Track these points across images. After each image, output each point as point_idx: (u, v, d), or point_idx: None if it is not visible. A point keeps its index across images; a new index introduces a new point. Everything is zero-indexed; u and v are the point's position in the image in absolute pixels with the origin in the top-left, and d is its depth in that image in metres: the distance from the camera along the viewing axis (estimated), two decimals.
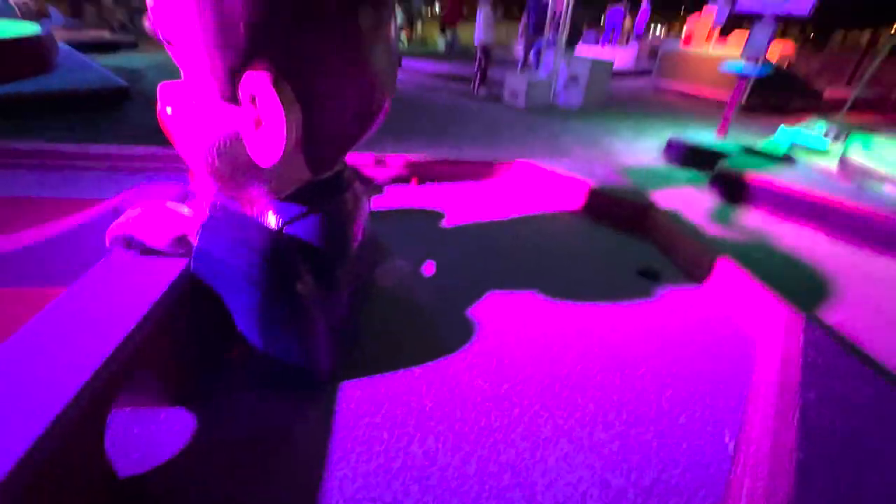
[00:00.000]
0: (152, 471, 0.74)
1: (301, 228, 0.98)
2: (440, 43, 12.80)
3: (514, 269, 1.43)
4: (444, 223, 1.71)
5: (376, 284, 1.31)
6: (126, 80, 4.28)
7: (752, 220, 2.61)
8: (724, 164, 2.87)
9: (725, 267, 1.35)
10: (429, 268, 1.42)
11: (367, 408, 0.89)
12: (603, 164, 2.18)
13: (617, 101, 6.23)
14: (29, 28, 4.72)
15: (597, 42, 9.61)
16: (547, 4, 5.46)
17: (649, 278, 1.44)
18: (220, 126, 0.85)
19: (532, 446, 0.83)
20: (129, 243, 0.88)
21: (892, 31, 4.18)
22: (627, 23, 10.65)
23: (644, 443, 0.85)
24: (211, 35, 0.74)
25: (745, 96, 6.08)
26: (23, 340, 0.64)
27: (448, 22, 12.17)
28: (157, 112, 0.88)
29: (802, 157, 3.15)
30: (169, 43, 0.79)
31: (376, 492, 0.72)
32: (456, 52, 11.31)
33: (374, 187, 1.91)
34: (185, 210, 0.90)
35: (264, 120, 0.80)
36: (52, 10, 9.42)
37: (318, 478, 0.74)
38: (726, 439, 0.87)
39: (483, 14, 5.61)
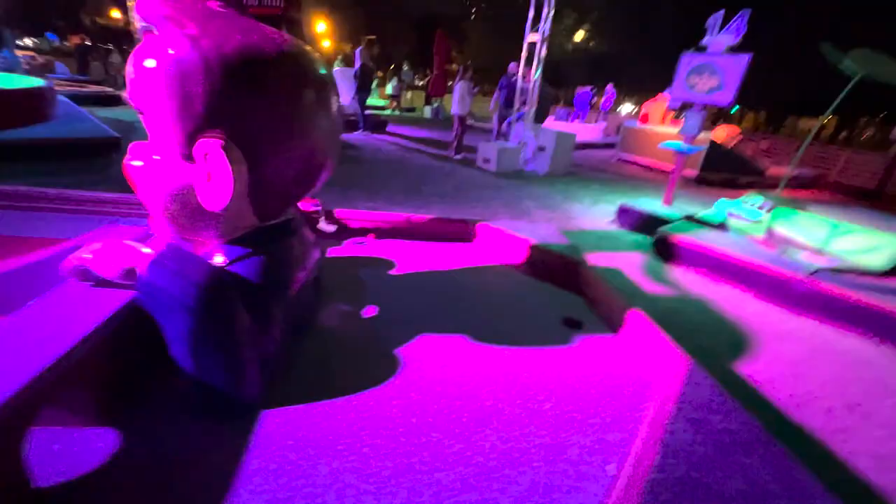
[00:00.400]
0: (68, 484, 0.80)
1: (243, 267, 1.12)
2: (427, 111, 13.82)
3: (448, 315, 1.56)
4: (393, 272, 1.86)
5: (317, 324, 1.42)
6: (120, 131, 4.52)
7: (688, 280, 2.84)
8: (663, 230, 3.15)
9: (637, 319, 1.51)
10: (369, 311, 1.54)
11: (284, 433, 0.98)
12: (547, 225, 2.41)
13: (582, 169, 6.75)
14: (31, 81, 5.03)
15: (567, 118, 10.58)
16: (515, 83, 6.10)
17: (572, 327, 1.59)
18: (178, 178, 1.01)
19: (429, 470, 0.92)
20: (84, 275, 1.00)
21: (820, 119, 4.80)
22: (597, 101, 11.82)
23: (534, 469, 0.95)
24: (175, 108, 0.93)
25: (698, 171, 6.71)
26: None
27: (433, 94, 13.25)
28: (123, 164, 1.04)
29: (737, 226, 3.47)
30: (141, 112, 0.97)
31: None
32: (440, 119, 12.21)
33: (335, 236, 2.07)
34: (142, 248, 1.03)
35: (213, 175, 0.97)
36: (60, 65, 9.95)
37: (226, 491, 0.81)
38: (608, 468, 0.98)
39: (459, 88, 6.21)
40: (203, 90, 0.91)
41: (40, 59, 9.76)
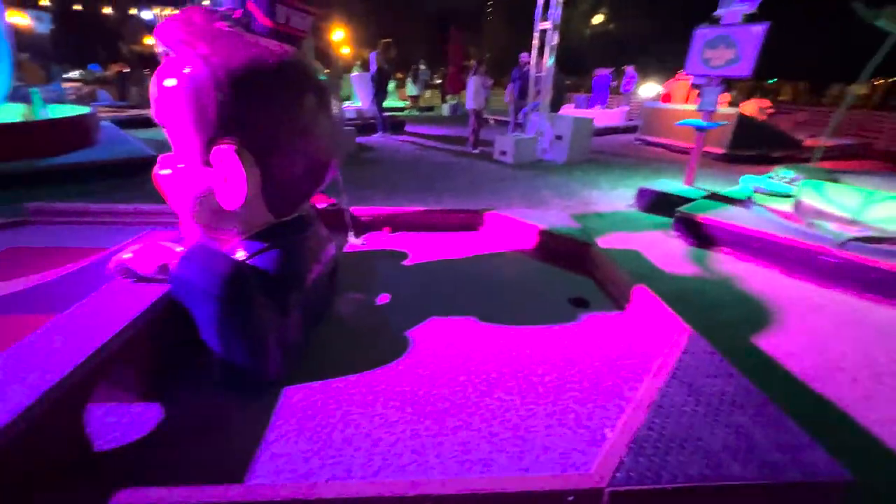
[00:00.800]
0: (121, 449, 0.93)
1: (261, 260, 1.24)
2: (445, 109, 13.90)
3: (458, 299, 1.63)
4: (406, 262, 1.95)
5: (334, 312, 1.53)
6: (157, 150, 4.87)
7: (711, 259, 2.78)
8: (684, 209, 3.09)
9: (643, 295, 1.53)
10: (382, 298, 1.64)
11: (304, 405, 1.08)
12: (557, 211, 2.43)
13: (602, 155, 6.64)
14: (77, 109, 5.48)
15: (586, 105, 10.36)
16: (528, 72, 6.07)
17: (578, 306, 1.63)
18: (199, 183, 1.14)
19: (434, 434, 1.00)
20: (126, 272, 1.14)
21: (855, 84, 4.53)
22: (617, 85, 11.52)
23: (533, 433, 1.01)
24: (192, 120, 1.05)
25: (726, 148, 6.44)
26: (30, 343, 0.89)
27: (450, 91, 13.30)
28: (152, 174, 1.18)
29: (764, 201, 3.36)
30: (164, 127, 1.10)
31: (298, 464, 0.90)
32: (458, 116, 12.25)
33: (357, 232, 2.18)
34: (175, 247, 1.17)
35: (229, 177, 1.08)
36: (102, 93, 10.69)
37: (252, 453, 0.92)
38: (605, 430, 1.03)
39: (473, 83, 6.25)
40: (215, 101, 1.03)
41: (85, 89, 10.53)
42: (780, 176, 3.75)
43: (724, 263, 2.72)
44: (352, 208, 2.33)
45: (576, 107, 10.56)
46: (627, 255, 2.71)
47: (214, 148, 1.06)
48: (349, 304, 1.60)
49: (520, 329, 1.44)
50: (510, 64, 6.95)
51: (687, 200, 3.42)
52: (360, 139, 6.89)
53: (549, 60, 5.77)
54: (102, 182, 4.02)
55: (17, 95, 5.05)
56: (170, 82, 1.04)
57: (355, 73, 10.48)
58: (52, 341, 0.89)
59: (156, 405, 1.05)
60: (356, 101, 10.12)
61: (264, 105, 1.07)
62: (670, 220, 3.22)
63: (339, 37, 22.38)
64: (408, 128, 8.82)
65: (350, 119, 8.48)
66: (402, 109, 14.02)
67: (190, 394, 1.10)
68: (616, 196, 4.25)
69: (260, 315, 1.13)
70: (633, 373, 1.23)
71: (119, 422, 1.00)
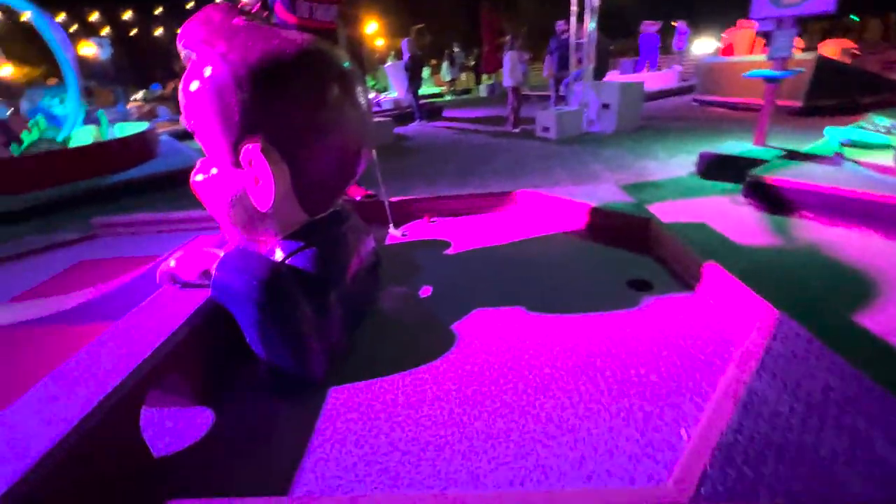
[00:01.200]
0: (177, 453, 0.95)
1: (299, 260, 1.21)
2: (482, 90, 13.55)
3: (504, 287, 1.54)
4: (448, 251, 1.88)
5: (376, 306, 1.49)
6: None
7: (791, 226, 2.45)
8: (756, 172, 2.74)
9: (715, 273, 1.36)
10: (425, 291, 1.58)
11: (349, 406, 1.05)
12: (607, 185, 2.23)
13: (655, 121, 6.13)
14: (139, 126, 5.92)
15: (634, 69, 9.62)
16: (568, 41, 5.69)
17: (639, 289, 1.47)
18: (232, 185, 1.13)
19: (485, 439, 0.92)
20: (172, 279, 1.16)
21: None
22: (671, 43, 10.56)
23: (594, 436, 0.91)
24: (218, 121, 1.03)
25: (803, 100, 5.69)
26: (87, 353, 0.91)
27: (486, 71, 12.92)
28: (190, 181, 1.18)
29: (857, 155, 2.91)
30: (193, 132, 1.09)
31: (343, 472, 0.87)
32: (496, 95, 11.89)
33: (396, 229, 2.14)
34: (217, 252, 1.17)
35: (259, 177, 1.05)
36: (162, 109, 11.55)
37: (297, 460, 0.90)
38: (681, 432, 0.90)
39: (508, 58, 5.97)
40: (237, 100, 1.00)
41: (146, 107, 11.41)
42: (875, 124, 3.24)
43: (808, 231, 2.38)
44: (391, 199, 2.29)
45: (621, 72, 9.85)
46: (692, 228, 2.45)
47: (242, 148, 1.03)
48: (392, 298, 1.56)
49: (574, 318, 1.32)
50: (546, 39, 6.56)
51: (758, 162, 3.04)
52: (397, 129, 6.87)
53: (590, 24, 5.37)
54: (164, 192, 4.31)
55: (88, 119, 5.54)
56: (193, 85, 1.03)
57: (389, 63, 10.45)
58: (100, 354, 0.91)
59: (208, 410, 1.07)
60: (393, 91, 10.11)
61: (287, 99, 1.03)
62: (739, 186, 2.88)
63: (373, 29, 22.48)
64: (445, 113, 8.68)
65: (387, 110, 8.49)
66: (439, 95, 13.86)
67: (240, 398, 1.11)
68: (674, 164, 3.89)
69: (301, 317, 1.11)
70: (711, 363, 1.08)
71: (174, 427, 1.03)
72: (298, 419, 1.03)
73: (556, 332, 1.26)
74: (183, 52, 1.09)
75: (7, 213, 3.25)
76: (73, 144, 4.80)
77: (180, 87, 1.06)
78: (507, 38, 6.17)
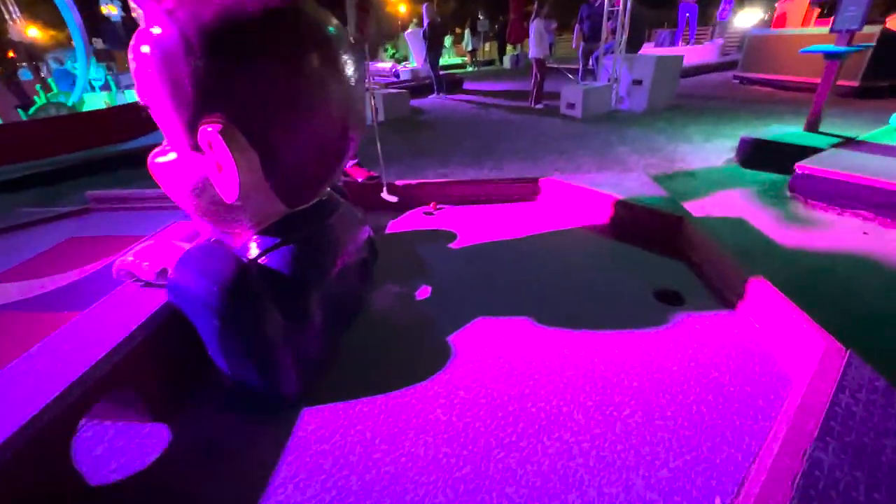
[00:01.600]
0: (122, 481, 0.83)
1: (274, 259, 1.05)
2: (506, 61, 12.95)
3: (512, 293, 1.36)
4: (454, 245, 1.70)
5: (366, 308, 1.34)
6: None
7: (845, 227, 2.16)
8: (806, 162, 2.44)
9: (761, 289, 1.15)
10: (423, 292, 1.42)
11: (321, 435, 0.91)
12: (636, 174, 1.99)
13: (691, 100, 5.68)
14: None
15: (671, 41, 8.94)
16: (602, 9, 5.23)
17: (669, 302, 1.27)
18: (193, 172, 0.96)
19: (474, 489, 0.77)
20: (130, 276, 1.02)
21: None
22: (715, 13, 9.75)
23: (607, 495, 0.75)
24: (168, 95, 0.86)
25: (859, 80, 5.14)
26: (22, 362, 0.78)
27: (512, 41, 12.28)
28: (148, 161, 1.02)
29: None
30: (147, 108, 0.92)
31: None
32: (521, 68, 11.33)
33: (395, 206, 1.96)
34: (184, 246, 1.03)
35: (220, 165, 0.88)
36: None
37: (255, 500, 0.77)
38: (716, 500, 0.73)
39: (535, 27, 5.55)
40: (189, 69, 0.82)
41: None
42: None
43: (866, 233, 2.11)
44: (396, 182, 2.11)
45: (656, 45, 9.19)
46: (729, 225, 2.19)
47: (199, 129, 0.87)
48: (385, 298, 1.40)
49: (590, 337, 1.14)
50: (579, 6, 6.05)
51: (808, 151, 2.72)
52: (413, 102, 6.58)
53: None
54: None
55: (104, 85, 5.44)
56: (139, 50, 0.85)
57: (410, 30, 10.00)
58: (34, 365, 0.78)
59: (161, 426, 0.95)
60: (412, 61, 9.71)
61: (253, 69, 0.84)
62: (785, 178, 2.58)
63: None
64: (466, 85, 8.28)
65: (404, 81, 8.15)
66: (460, 66, 13.32)
67: (200, 415, 0.98)
68: (711, 150, 3.56)
69: (270, 327, 0.96)
70: (756, 408, 0.89)
71: (122, 447, 0.91)
72: (263, 447, 0.90)
73: (568, 353, 1.09)
74: (135, 11, 0.91)
75: (6, 181, 3.20)
76: (85, 109, 4.72)
77: (129, 53, 0.89)
78: (535, 4, 5.72)
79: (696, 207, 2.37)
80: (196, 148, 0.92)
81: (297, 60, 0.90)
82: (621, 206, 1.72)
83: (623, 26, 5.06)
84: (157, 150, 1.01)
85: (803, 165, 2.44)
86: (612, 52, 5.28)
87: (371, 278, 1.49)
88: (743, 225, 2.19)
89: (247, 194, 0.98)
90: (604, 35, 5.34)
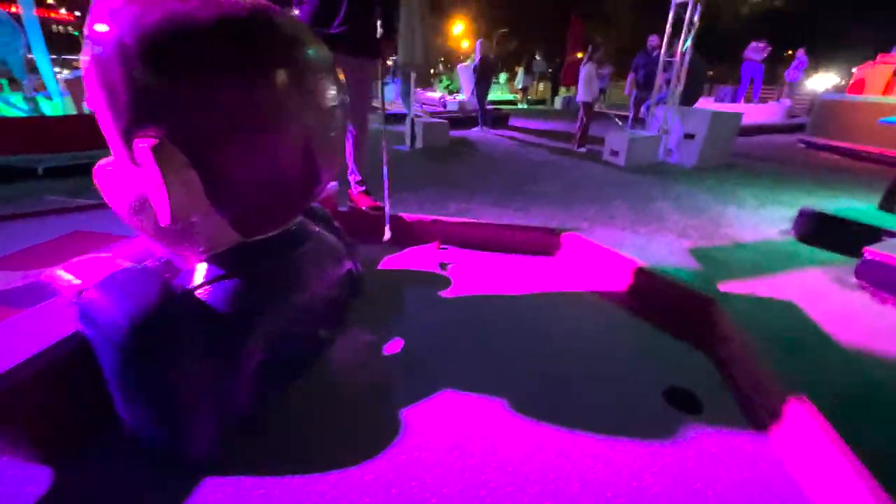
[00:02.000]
0: None
1: (216, 292, 0.93)
2: (557, 102, 12.93)
3: (495, 364, 1.16)
4: (447, 292, 1.53)
5: (326, 356, 1.18)
6: None
7: None
8: (880, 247, 2.09)
9: (802, 411, 0.89)
10: (394, 345, 1.25)
11: None
12: (668, 238, 1.76)
13: (748, 160, 5.28)
14: None
15: (733, 98, 8.54)
16: (658, 59, 5.05)
17: (682, 408, 1.03)
18: (132, 187, 0.87)
19: None
20: (53, 292, 0.93)
21: None
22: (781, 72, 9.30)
23: None
24: (103, 103, 0.77)
25: None
26: None
27: (565, 83, 12.29)
28: (93, 170, 0.94)
29: None
30: (93, 113, 0.84)
31: None
32: (572, 110, 11.24)
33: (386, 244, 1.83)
34: (125, 265, 0.92)
35: (153, 184, 0.78)
36: None
37: None
38: None
39: (586, 71, 5.44)
40: (124, 76, 0.73)
41: None
42: None
43: None
44: (402, 215, 1.98)
45: (716, 100, 8.83)
46: (776, 310, 1.88)
47: (134, 142, 0.77)
48: (349, 346, 1.24)
49: (569, 440, 0.92)
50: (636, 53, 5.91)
51: (881, 233, 2.36)
52: (456, 133, 6.58)
53: (684, 42, 4.71)
54: None
55: None
56: (84, 53, 0.78)
57: (465, 63, 10.22)
58: None
59: (45, 470, 0.82)
60: (462, 94, 9.88)
61: (197, 84, 0.75)
62: (852, 261, 2.23)
63: (459, 30, 22.50)
64: (512, 122, 8.25)
65: (450, 111, 8.24)
66: (512, 103, 13.44)
67: (88, 461, 0.84)
68: (765, 218, 3.21)
69: (186, 374, 0.83)
70: None
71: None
72: None
73: (540, 460, 0.87)
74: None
75: (53, 168, 3.38)
76: None
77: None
78: (588, 48, 5.63)
79: (738, 283, 2.07)
80: (135, 162, 0.82)
81: (253, 79, 0.80)
82: (643, 274, 1.49)
83: (679, 78, 4.84)
84: (106, 159, 0.93)
85: (874, 250, 2.09)
86: (665, 103, 5.05)
87: (342, 319, 1.34)
88: (793, 313, 1.86)
89: (186, 218, 0.87)
90: (657, 84, 5.14)
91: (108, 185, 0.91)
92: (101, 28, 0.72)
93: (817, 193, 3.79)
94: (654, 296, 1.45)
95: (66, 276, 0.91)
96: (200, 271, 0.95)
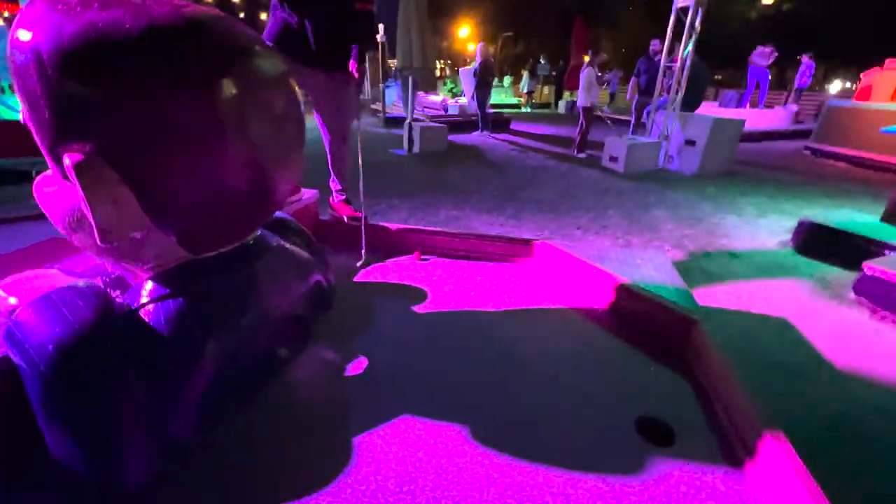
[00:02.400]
0: None
1: (159, 313, 0.88)
2: (561, 106, 12.87)
3: (463, 387, 1.11)
4: (421, 307, 1.48)
5: (282, 375, 1.13)
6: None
7: None
8: (880, 263, 2.01)
9: (779, 450, 0.83)
10: (357, 365, 1.20)
11: None
12: (656, 252, 1.69)
13: (751, 167, 5.19)
14: None
15: (738, 103, 8.43)
16: (660, 62, 4.98)
17: (654, 438, 0.97)
18: (65, 203, 0.83)
19: None
20: None
21: None
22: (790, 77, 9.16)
23: None
24: (27, 113, 0.73)
25: None
26: None
27: (569, 87, 12.22)
28: (33, 185, 0.91)
29: None
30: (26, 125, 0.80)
31: None
32: (575, 114, 11.19)
33: (365, 261, 1.79)
34: (70, 281, 0.89)
35: (82, 200, 0.74)
36: None
37: None
38: None
39: (586, 76, 5.39)
40: (43, 88, 0.69)
41: None
42: None
43: None
44: (382, 224, 1.94)
45: (721, 105, 8.72)
46: (769, 326, 1.81)
47: (62, 155, 0.73)
48: (310, 365, 1.19)
49: (539, 473, 0.86)
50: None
51: (883, 246, 2.28)
52: (455, 137, 6.55)
53: (685, 47, 4.64)
54: None
55: None
56: (8, 63, 0.74)
57: (466, 67, 10.21)
58: None
59: None
60: (464, 97, 9.86)
61: (124, 96, 0.70)
62: (851, 274, 2.16)
63: (465, 33, 22.54)
64: (514, 126, 8.21)
65: (449, 115, 8.20)
66: (515, 106, 13.40)
67: (16, 490, 0.81)
68: (763, 227, 3.13)
69: (118, 401, 0.78)
70: None
71: None
72: None
73: (503, 496, 0.82)
74: None
75: (26, 173, 3.36)
76: None
77: None
78: (589, 53, 5.59)
79: (732, 296, 2.01)
80: (66, 177, 0.78)
81: (185, 91, 0.75)
82: (624, 291, 1.43)
83: (679, 83, 4.77)
84: (45, 172, 0.89)
85: (873, 266, 2.02)
86: (665, 108, 4.98)
87: (307, 336, 1.29)
88: (787, 329, 1.79)
89: (122, 237, 0.83)
90: (657, 90, 5.07)
91: (47, 199, 0.87)
92: (23, 35, 0.68)
93: (821, 202, 3.70)
94: (633, 314, 1.39)
95: (1, 295, 0.88)
96: (146, 289, 0.91)
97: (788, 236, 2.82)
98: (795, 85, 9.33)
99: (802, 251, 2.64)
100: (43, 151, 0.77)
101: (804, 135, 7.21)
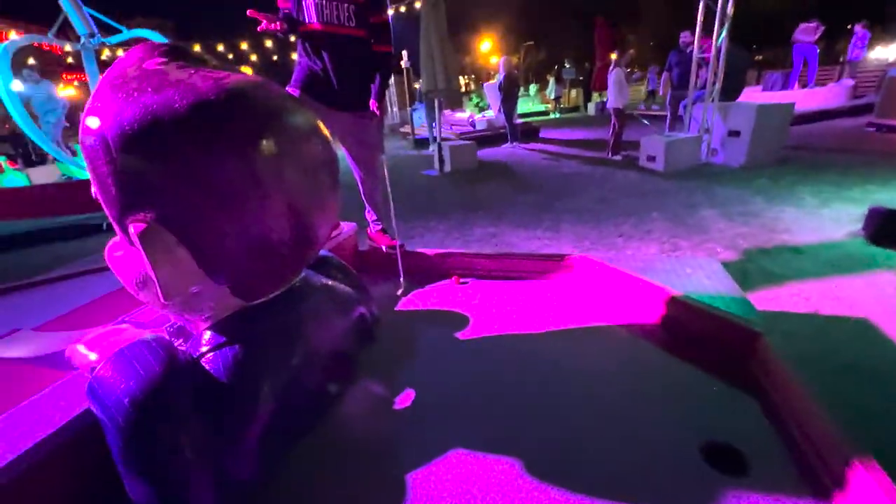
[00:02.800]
0: None
1: (217, 361, 0.94)
2: (590, 108, 12.65)
3: (512, 416, 1.08)
4: (464, 332, 1.47)
5: (332, 413, 1.16)
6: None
7: None
8: None
9: (871, 484, 0.75)
10: (405, 398, 1.20)
11: None
12: (707, 258, 1.58)
13: (806, 153, 4.81)
14: None
15: (784, 85, 7.90)
16: (692, 54, 4.78)
17: (723, 467, 0.90)
18: (133, 267, 0.91)
19: None
20: (73, 365, 0.98)
21: None
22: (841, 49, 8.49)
23: None
24: (98, 192, 0.82)
25: None
26: None
27: (597, 88, 11.99)
28: (105, 251, 1.00)
29: None
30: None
31: None
32: (606, 115, 10.93)
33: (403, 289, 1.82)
34: (141, 336, 0.97)
35: (146, 264, 0.81)
36: None
37: None
38: None
39: (615, 76, 5.27)
40: (109, 168, 0.77)
41: None
42: None
43: None
44: (419, 249, 1.97)
45: (765, 88, 8.21)
46: (847, 330, 1.64)
47: (128, 225, 0.81)
48: (358, 401, 1.22)
49: None
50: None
51: None
52: (485, 152, 6.58)
53: (718, 36, 4.43)
54: None
55: None
56: (81, 147, 0.84)
57: (490, 82, 10.29)
58: None
59: None
60: (490, 111, 9.91)
61: (172, 169, 0.77)
62: None
63: (487, 47, 22.82)
64: (543, 133, 8.14)
65: (479, 130, 8.26)
66: (544, 113, 13.30)
67: None
68: (829, 218, 2.88)
69: (187, 449, 0.84)
70: None
71: None
72: None
73: None
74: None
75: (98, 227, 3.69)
76: None
77: None
78: (616, 53, 5.47)
79: (799, 297, 1.84)
80: (132, 243, 0.86)
81: (227, 156, 0.82)
82: (675, 303, 1.35)
83: (716, 74, 4.55)
84: (115, 238, 0.98)
85: None
86: (703, 101, 4.75)
87: (353, 371, 1.32)
88: (868, 331, 1.61)
89: (183, 292, 0.90)
90: (692, 81, 4.85)
91: (117, 262, 0.96)
92: (92, 123, 0.77)
93: (892, 185, 3.35)
94: (686, 328, 1.31)
95: (83, 352, 0.97)
96: (205, 338, 0.97)
97: (858, 226, 2.57)
98: (849, 59, 8.62)
99: (876, 241, 2.39)
100: (111, 222, 0.86)
101: (866, 109, 6.63)
